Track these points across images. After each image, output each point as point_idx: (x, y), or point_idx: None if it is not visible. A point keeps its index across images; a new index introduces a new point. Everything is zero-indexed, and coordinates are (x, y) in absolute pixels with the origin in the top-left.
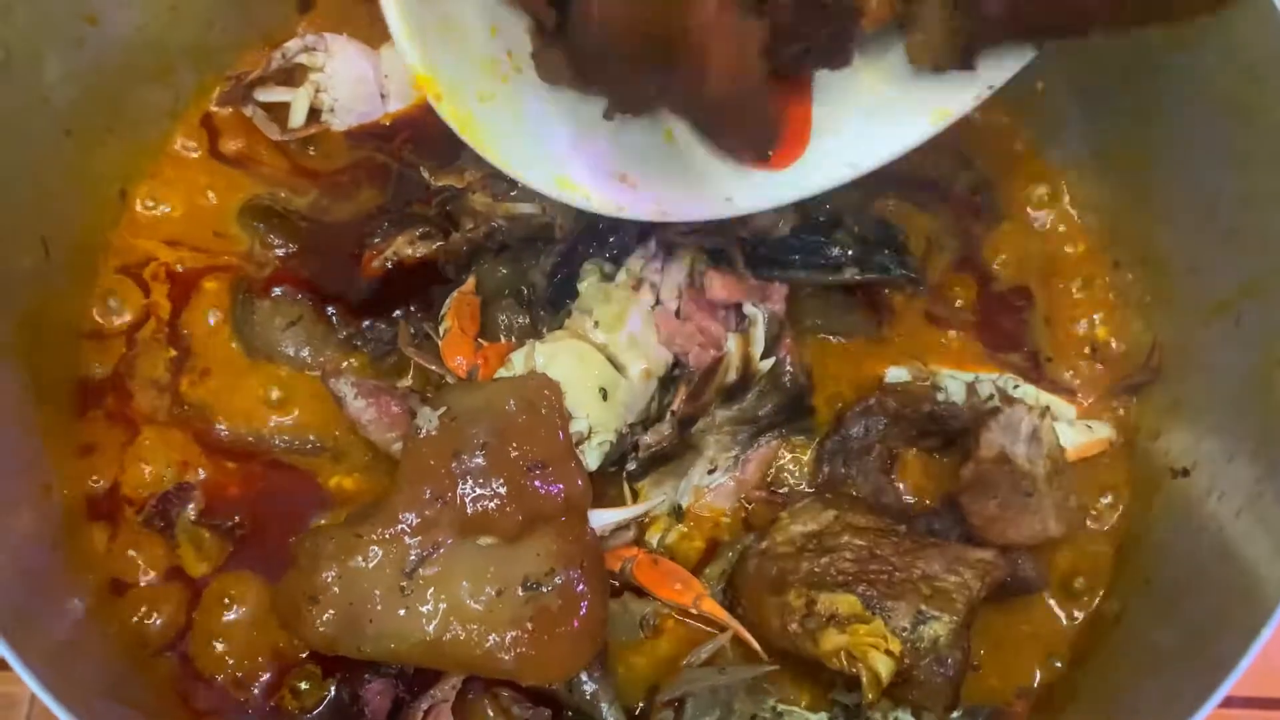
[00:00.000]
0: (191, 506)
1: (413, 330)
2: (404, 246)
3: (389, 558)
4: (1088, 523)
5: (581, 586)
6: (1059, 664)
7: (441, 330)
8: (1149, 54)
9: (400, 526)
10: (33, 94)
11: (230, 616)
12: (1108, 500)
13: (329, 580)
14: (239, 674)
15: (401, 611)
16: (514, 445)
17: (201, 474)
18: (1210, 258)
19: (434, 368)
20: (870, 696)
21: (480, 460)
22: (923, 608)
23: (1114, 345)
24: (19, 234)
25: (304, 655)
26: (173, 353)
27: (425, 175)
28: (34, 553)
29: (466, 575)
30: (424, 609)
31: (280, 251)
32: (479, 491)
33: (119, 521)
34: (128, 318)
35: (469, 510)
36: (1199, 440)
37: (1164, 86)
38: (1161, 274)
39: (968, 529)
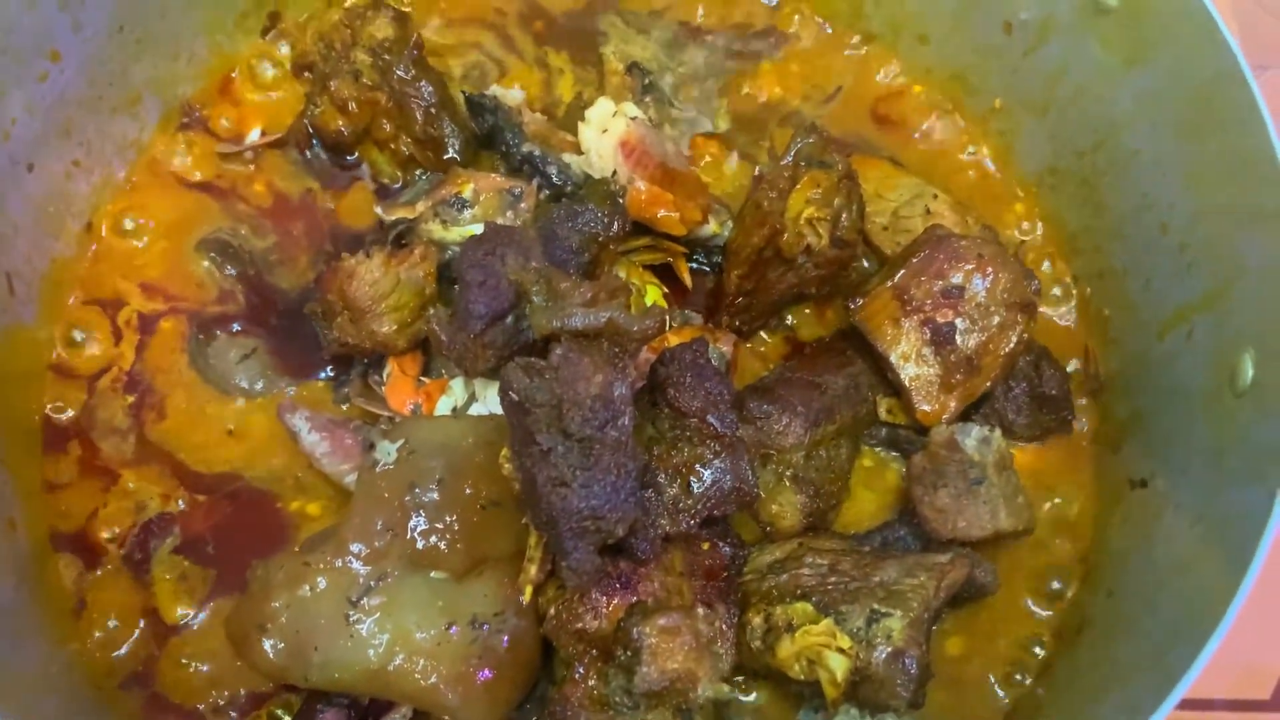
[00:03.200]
0: (169, 539)
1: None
2: None
3: (336, 586)
4: (1052, 534)
5: (525, 628)
6: (1025, 679)
7: (385, 375)
8: (1102, 72)
9: (349, 556)
10: None
11: (199, 646)
12: (1072, 512)
13: (278, 608)
14: (210, 703)
15: (347, 640)
16: (470, 483)
17: (181, 505)
18: (1163, 273)
19: (383, 412)
20: (830, 694)
21: (434, 495)
22: (875, 607)
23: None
24: None
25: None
26: (129, 399)
27: (378, 211)
28: None
29: (414, 607)
30: (369, 638)
31: (235, 285)
32: (431, 526)
33: (93, 556)
34: (94, 351)
35: (419, 544)
36: (1156, 452)
37: (1116, 104)
38: (1119, 288)
39: (922, 530)
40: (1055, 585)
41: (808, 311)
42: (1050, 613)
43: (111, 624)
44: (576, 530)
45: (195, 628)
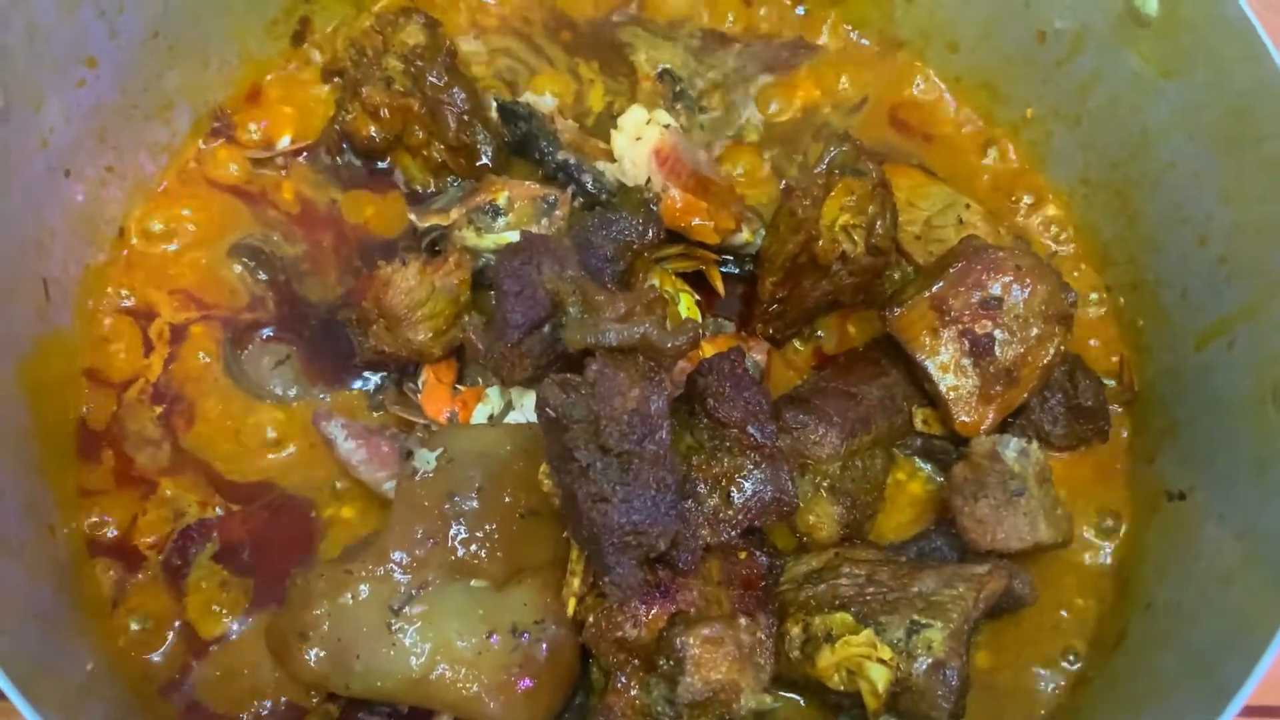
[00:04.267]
0: (209, 545)
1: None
2: None
3: (378, 595)
4: (1086, 548)
5: (565, 636)
6: (1060, 690)
7: (420, 383)
8: (1139, 83)
9: (390, 565)
10: (33, 137)
11: (239, 655)
12: (1107, 523)
13: (319, 617)
14: (252, 712)
15: (389, 649)
16: (508, 491)
17: (219, 511)
18: (1201, 284)
19: (419, 420)
20: (871, 705)
21: (474, 503)
22: (915, 618)
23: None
24: (20, 276)
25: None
26: (158, 410)
27: (412, 217)
28: (41, 595)
29: (455, 616)
30: (411, 647)
31: (266, 292)
32: (471, 534)
33: (133, 562)
34: (125, 359)
35: (460, 553)
36: (1196, 464)
37: (1152, 115)
38: (1153, 299)
39: (960, 540)
40: (1090, 597)
41: (824, 321)
42: (1085, 624)
43: (149, 630)
44: (619, 545)
45: (235, 637)
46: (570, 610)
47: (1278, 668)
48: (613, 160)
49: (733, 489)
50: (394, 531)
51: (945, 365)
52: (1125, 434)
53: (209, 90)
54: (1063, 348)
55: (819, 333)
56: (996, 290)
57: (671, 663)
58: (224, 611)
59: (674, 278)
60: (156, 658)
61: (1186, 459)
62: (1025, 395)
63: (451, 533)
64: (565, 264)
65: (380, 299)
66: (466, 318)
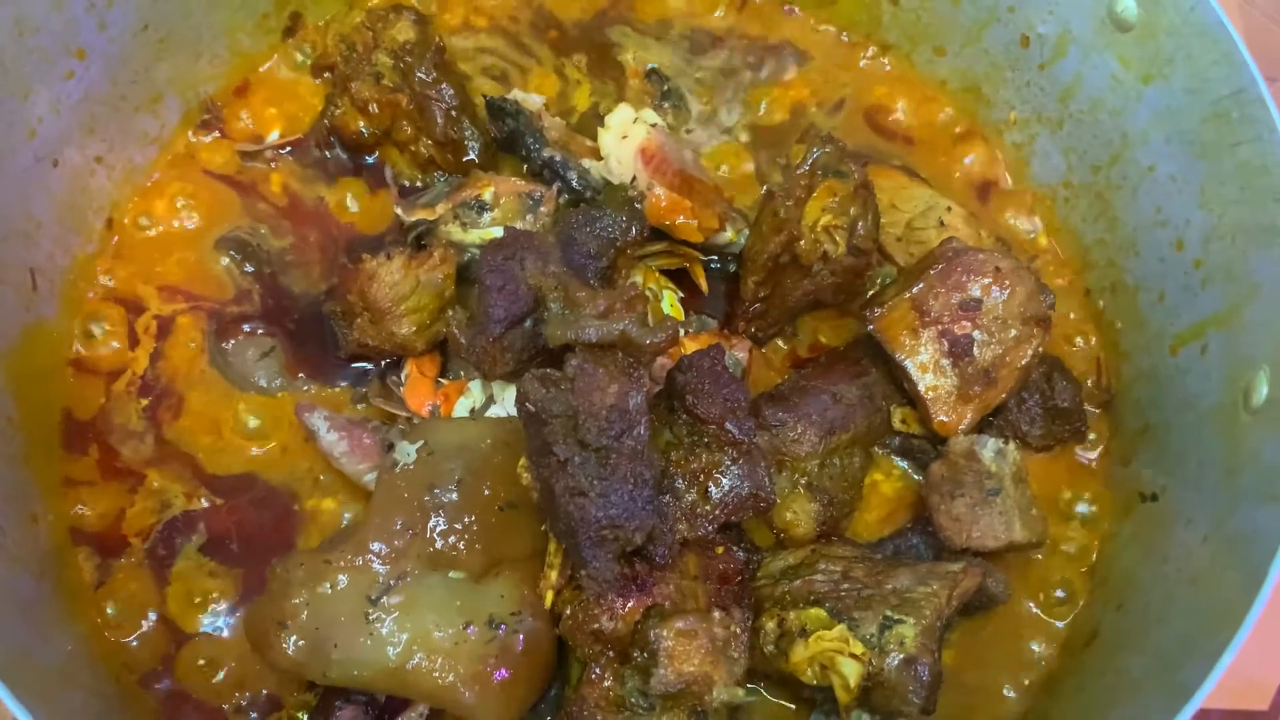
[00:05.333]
0: (195, 536)
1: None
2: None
3: (356, 585)
4: (1061, 546)
5: (542, 629)
6: (1031, 690)
7: (403, 376)
8: (1119, 87)
9: (369, 555)
10: (21, 127)
11: (222, 645)
12: (1082, 524)
13: (297, 605)
14: (233, 703)
15: (366, 638)
16: (488, 484)
17: (204, 502)
18: (1178, 288)
19: (401, 413)
20: (842, 699)
21: (453, 495)
22: (889, 614)
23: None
24: (7, 266)
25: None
26: (144, 402)
27: (399, 212)
28: (22, 583)
29: (433, 606)
30: (388, 637)
31: (252, 285)
32: (449, 526)
33: (116, 552)
34: (111, 350)
35: (438, 544)
36: (1168, 466)
37: (1132, 119)
38: (1131, 302)
39: (936, 539)
40: (1061, 596)
41: (799, 324)
42: (1057, 624)
43: (132, 620)
44: (595, 539)
45: (219, 629)
46: (547, 602)
47: (1258, 671)
48: (599, 158)
49: (710, 484)
50: (373, 522)
51: (924, 365)
52: (1102, 436)
53: (199, 82)
54: (1040, 349)
55: (797, 334)
56: (976, 292)
57: (645, 655)
58: (208, 603)
59: (658, 275)
60: (138, 647)
61: (1160, 462)
62: (1003, 396)
63: (430, 524)
64: (548, 260)
65: (365, 292)
66: (450, 312)
